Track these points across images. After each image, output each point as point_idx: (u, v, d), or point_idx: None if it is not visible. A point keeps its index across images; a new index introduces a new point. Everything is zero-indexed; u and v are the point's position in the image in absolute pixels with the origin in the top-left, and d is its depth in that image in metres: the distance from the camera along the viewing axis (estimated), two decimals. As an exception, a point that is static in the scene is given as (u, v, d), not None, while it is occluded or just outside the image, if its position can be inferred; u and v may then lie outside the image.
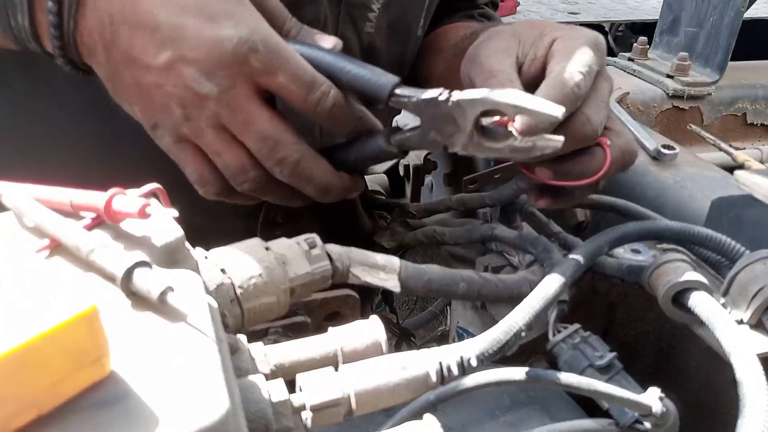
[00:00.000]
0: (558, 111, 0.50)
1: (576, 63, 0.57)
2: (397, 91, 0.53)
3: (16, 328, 0.26)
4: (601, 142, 0.58)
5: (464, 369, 0.44)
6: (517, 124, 0.51)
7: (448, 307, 0.95)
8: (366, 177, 1.14)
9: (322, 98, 0.54)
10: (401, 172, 1.24)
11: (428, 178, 1.31)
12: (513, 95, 0.50)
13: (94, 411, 0.28)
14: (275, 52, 0.52)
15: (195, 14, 0.51)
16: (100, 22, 0.52)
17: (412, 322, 1.45)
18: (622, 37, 2.11)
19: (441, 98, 0.52)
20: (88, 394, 0.28)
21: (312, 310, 0.60)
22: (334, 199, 0.60)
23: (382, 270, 0.54)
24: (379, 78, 0.54)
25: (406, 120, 0.56)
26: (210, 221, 0.74)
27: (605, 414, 0.55)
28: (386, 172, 1.22)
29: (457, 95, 0.51)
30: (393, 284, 0.54)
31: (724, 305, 0.57)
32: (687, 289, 0.55)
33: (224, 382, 0.30)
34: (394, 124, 0.58)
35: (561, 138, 0.52)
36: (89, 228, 0.39)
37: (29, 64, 0.71)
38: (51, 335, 0.26)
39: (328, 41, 0.58)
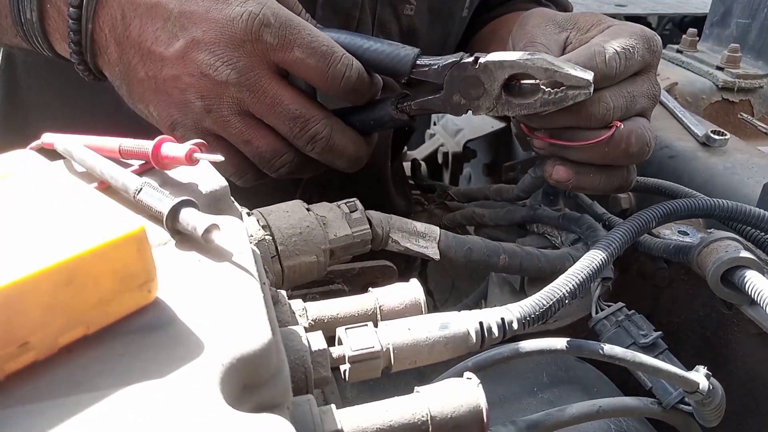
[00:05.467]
0: (588, 74, 0.49)
1: (616, 42, 0.54)
2: (419, 62, 0.53)
3: (67, 243, 0.26)
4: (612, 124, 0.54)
5: (505, 332, 0.43)
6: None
7: (483, 300, 0.94)
8: (404, 163, 1.13)
9: (347, 71, 0.52)
10: (440, 160, 1.23)
11: (467, 168, 1.30)
12: (543, 58, 0.49)
13: (141, 334, 0.28)
14: (288, 25, 0.50)
15: None
16: (112, 18, 0.52)
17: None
18: (669, 35, 2.07)
19: (466, 60, 0.51)
20: (135, 318, 0.29)
21: (350, 279, 0.60)
22: (357, 168, 0.58)
23: (422, 237, 0.54)
24: (399, 52, 0.53)
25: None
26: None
27: (647, 395, 0.54)
28: (424, 159, 1.21)
29: (486, 57, 0.51)
30: (432, 252, 0.53)
31: (776, 286, 0.55)
32: (737, 267, 0.53)
33: (266, 315, 0.30)
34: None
35: (590, 84, 0.50)
36: (137, 173, 0.39)
37: None
38: (100, 251, 0.26)
39: None
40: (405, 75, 0.54)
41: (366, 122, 0.57)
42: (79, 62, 0.55)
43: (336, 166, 0.57)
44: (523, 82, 0.51)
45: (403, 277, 0.59)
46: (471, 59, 0.51)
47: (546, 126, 0.55)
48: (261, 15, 0.49)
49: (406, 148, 1.20)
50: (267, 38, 0.50)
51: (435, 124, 1.37)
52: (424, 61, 0.53)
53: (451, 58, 0.52)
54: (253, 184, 0.58)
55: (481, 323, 0.43)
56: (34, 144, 0.43)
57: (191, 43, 0.50)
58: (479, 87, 0.51)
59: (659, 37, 0.58)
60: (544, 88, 0.50)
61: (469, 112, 0.54)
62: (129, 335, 0.28)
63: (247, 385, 0.28)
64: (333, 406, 0.35)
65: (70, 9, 0.51)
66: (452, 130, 1.28)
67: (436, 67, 0.52)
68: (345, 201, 0.53)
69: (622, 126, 0.53)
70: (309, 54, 0.50)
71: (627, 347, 0.53)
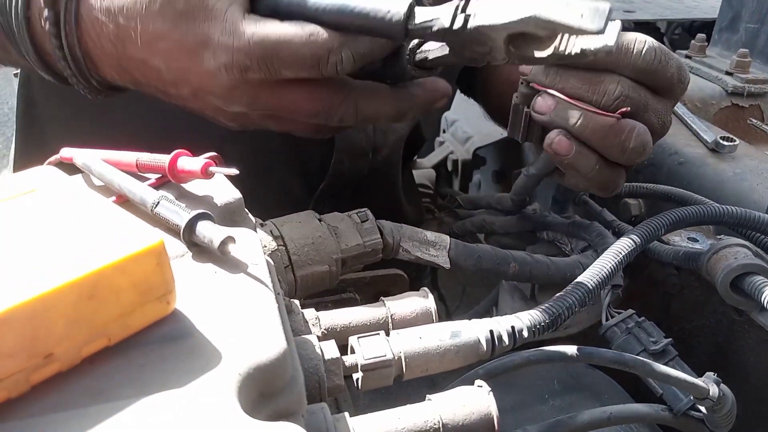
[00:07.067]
0: (598, 23, 0.40)
1: (656, 43, 0.53)
2: (411, 24, 0.46)
3: (89, 258, 0.27)
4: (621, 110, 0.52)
5: (515, 340, 0.44)
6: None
7: (494, 307, 0.94)
8: (414, 171, 1.14)
9: (338, 66, 0.49)
10: (449, 167, 1.24)
11: (477, 176, 1.31)
12: (543, 8, 0.41)
13: (160, 345, 0.29)
14: (265, 56, 0.48)
15: (179, 53, 0.50)
16: (116, 70, 0.54)
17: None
18: (679, 39, 2.06)
19: (456, 27, 0.45)
20: (154, 330, 0.29)
21: (361, 288, 0.60)
22: (405, 120, 0.58)
23: (432, 246, 0.54)
24: (388, 13, 0.47)
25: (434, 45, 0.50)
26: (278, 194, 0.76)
27: (658, 402, 0.54)
28: (434, 167, 1.22)
29: (475, 19, 0.44)
30: (443, 260, 0.54)
31: (786, 293, 0.55)
32: (747, 273, 0.54)
33: (281, 326, 0.31)
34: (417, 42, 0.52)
35: (614, 37, 0.41)
36: (154, 187, 0.40)
37: None
38: (121, 265, 0.27)
39: None
40: (400, 41, 0.50)
41: (385, 79, 0.54)
42: (98, 96, 0.57)
43: (380, 125, 0.59)
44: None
45: (415, 284, 0.60)
46: (460, 25, 0.45)
47: (558, 86, 0.54)
48: (235, 63, 0.48)
49: (416, 156, 1.21)
50: (253, 76, 0.49)
51: (444, 131, 1.38)
52: (417, 22, 0.47)
53: (441, 20, 0.46)
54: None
55: (491, 331, 0.43)
56: (52, 158, 0.45)
57: (196, 88, 0.51)
58: (484, 45, 0.46)
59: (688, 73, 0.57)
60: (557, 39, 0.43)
61: (487, 62, 0.48)
62: (149, 346, 0.29)
63: (263, 393, 0.29)
64: (346, 413, 0.36)
65: (74, 79, 0.54)
66: (462, 138, 1.29)
67: (429, 31, 0.47)
68: (356, 211, 0.54)
69: (630, 120, 0.53)
70: (298, 70, 0.49)
71: (637, 354, 0.54)
